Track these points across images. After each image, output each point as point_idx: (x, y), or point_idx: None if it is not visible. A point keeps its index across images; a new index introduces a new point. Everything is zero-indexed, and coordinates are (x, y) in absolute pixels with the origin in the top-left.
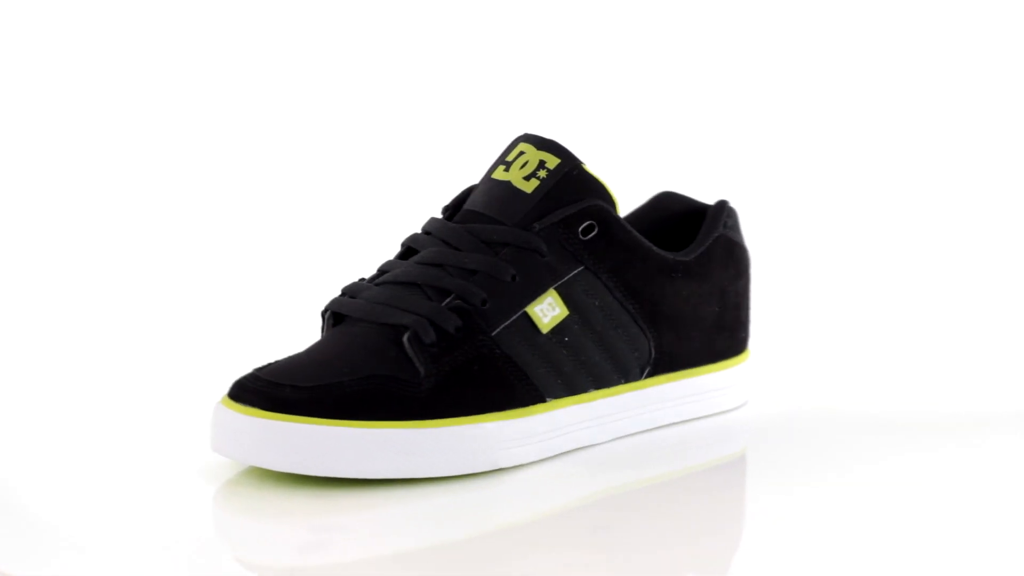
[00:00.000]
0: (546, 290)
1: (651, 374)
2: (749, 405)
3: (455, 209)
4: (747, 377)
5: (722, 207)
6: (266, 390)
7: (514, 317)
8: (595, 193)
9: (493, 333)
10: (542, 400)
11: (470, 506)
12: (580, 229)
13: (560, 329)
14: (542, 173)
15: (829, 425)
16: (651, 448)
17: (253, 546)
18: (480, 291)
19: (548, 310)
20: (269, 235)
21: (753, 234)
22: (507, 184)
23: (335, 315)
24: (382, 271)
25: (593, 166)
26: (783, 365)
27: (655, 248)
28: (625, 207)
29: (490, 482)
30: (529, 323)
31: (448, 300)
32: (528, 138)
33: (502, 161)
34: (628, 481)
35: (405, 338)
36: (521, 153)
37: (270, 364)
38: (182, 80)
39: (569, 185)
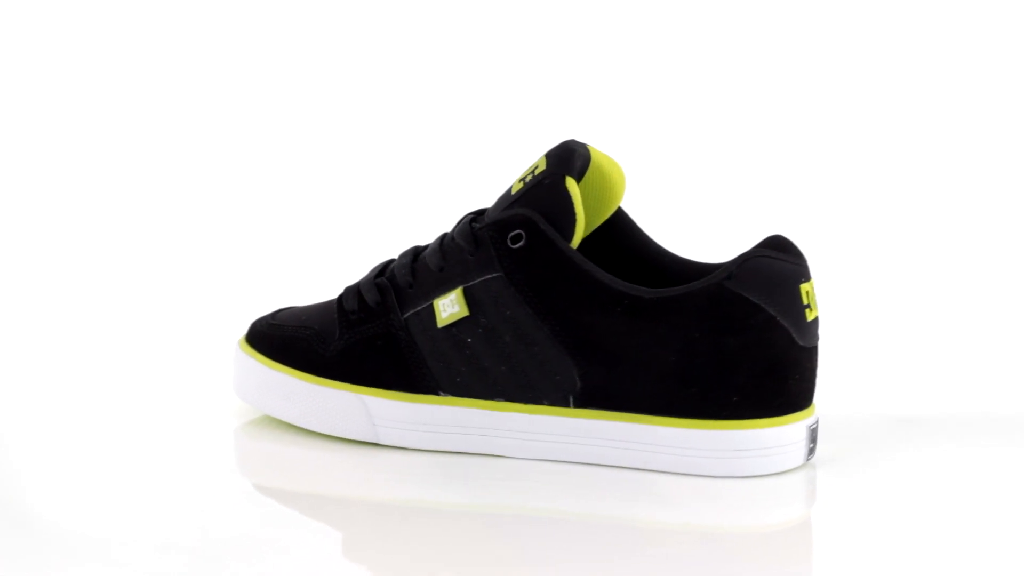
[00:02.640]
0: (455, 287)
1: (580, 405)
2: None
3: None
4: (740, 447)
5: (744, 259)
6: (255, 323)
7: (424, 305)
8: (551, 206)
9: (404, 316)
10: (435, 393)
11: (328, 464)
12: (510, 236)
13: (460, 328)
14: (528, 177)
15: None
16: (564, 482)
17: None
18: (409, 275)
19: (448, 306)
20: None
21: None
22: (511, 185)
23: None
24: None
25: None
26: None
27: (597, 273)
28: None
29: (369, 452)
30: (432, 314)
31: (381, 276)
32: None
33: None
34: (484, 503)
35: (335, 301)
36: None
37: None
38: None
39: (536, 193)
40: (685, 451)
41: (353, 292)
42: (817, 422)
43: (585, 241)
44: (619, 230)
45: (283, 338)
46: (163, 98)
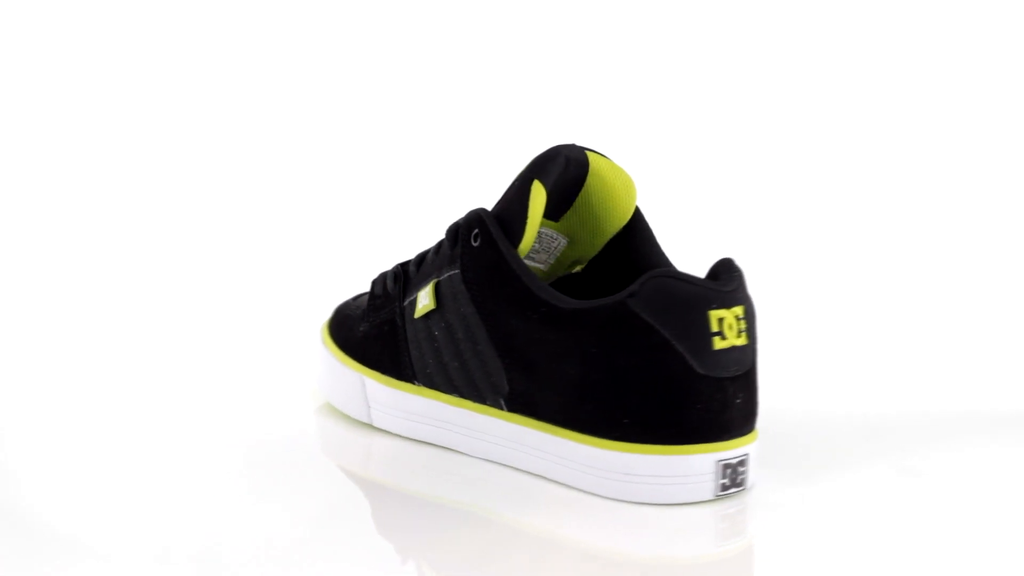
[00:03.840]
0: (431, 281)
1: (510, 408)
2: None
3: None
4: (630, 471)
5: (647, 278)
6: (340, 304)
7: (414, 295)
8: (511, 208)
9: (404, 303)
10: (411, 381)
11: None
12: (473, 234)
13: (431, 321)
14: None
15: None
16: (492, 491)
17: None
18: (416, 264)
19: (423, 298)
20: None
21: None
22: None
23: None
24: None
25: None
26: None
27: (526, 278)
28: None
29: (366, 432)
30: (415, 304)
31: (399, 265)
32: None
33: None
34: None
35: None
36: None
37: None
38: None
39: (507, 194)
40: (582, 467)
41: (381, 278)
42: (743, 458)
43: (601, 252)
44: (632, 241)
45: (344, 316)
46: (243, 105)
